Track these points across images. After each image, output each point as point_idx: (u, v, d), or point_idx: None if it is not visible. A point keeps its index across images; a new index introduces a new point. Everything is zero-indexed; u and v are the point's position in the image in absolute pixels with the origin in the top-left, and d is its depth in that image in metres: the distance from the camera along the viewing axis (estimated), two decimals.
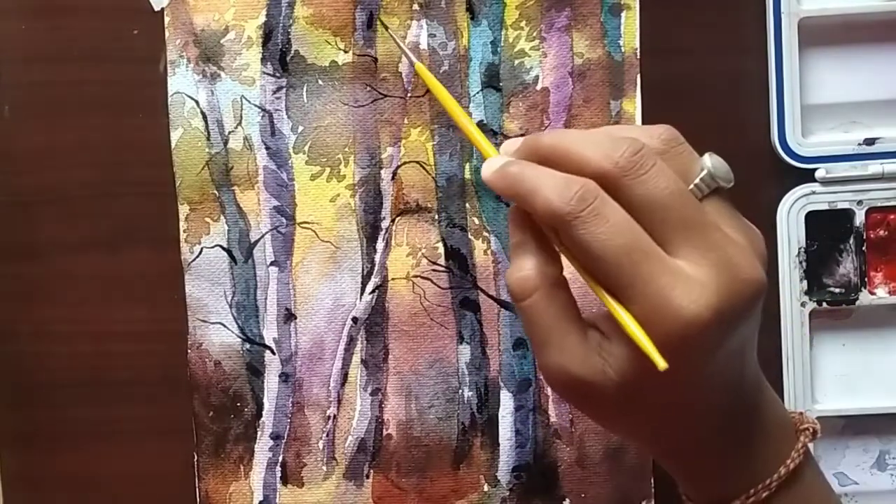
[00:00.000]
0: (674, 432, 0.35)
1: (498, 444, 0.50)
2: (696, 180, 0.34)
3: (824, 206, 0.48)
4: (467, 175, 0.49)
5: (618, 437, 0.40)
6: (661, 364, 0.31)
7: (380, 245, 0.50)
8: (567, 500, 0.50)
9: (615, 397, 0.33)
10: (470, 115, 0.49)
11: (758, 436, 0.35)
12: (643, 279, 0.31)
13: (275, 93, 0.49)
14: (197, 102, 0.49)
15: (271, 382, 0.50)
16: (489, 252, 0.50)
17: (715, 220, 0.33)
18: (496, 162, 0.35)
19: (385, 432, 0.50)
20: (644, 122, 0.49)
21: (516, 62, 0.49)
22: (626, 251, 0.32)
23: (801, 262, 0.48)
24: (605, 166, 0.32)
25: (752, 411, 0.35)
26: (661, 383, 0.32)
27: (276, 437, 0.50)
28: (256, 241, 0.50)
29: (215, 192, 0.49)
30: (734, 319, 0.32)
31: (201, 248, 0.50)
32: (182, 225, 0.50)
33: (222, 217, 0.50)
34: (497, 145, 0.49)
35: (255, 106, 0.49)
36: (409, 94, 0.49)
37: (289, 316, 0.50)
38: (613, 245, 0.32)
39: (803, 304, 0.48)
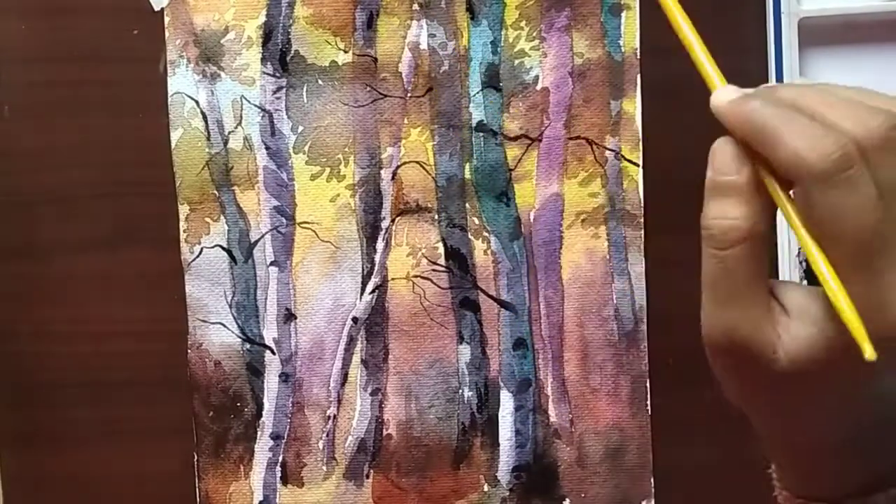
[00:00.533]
0: (817, 427, 0.32)
1: (498, 444, 0.50)
2: None
3: None
4: (467, 175, 0.49)
5: (742, 411, 0.36)
6: (870, 353, 0.29)
7: (380, 245, 0.50)
8: (567, 500, 0.50)
9: (772, 378, 0.30)
10: (470, 115, 0.49)
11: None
12: (877, 268, 0.28)
13: (275, 93, 0.49)
14: (197, 102, 0.49)
15: (271, 382, 0.50)
16: (489, 252, 0.49)
17: None
18: (730, 92, 0.31)
19: (385, 432, 0.50)
20: (644, 123, 0.49)
21: (516, 62, 0.49)
22: (868, 233, 0.28)
23: (800, 263, 0.48)
24: (858, 135, 0.28)
25: None
26: (831, 379, 0.30)
27: (276, 437, 0.50)
28: (256, 241, 0.50)
29: (215, 192, 0.49)
30: None
31: (201, 248, 0.50)
32: (182, 225, 0.50)
33: (222, 217, 0.50)
34: (498, 145, 0.49)
35: (255, 106, 0.49)
36: (408, 94, 0.49)
37: (289, 316, 0.50)
38: (858, 223, 0.28)
39: None
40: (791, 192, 0.29)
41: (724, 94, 0.32)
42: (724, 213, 0.30)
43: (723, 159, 0.31)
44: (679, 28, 0.33)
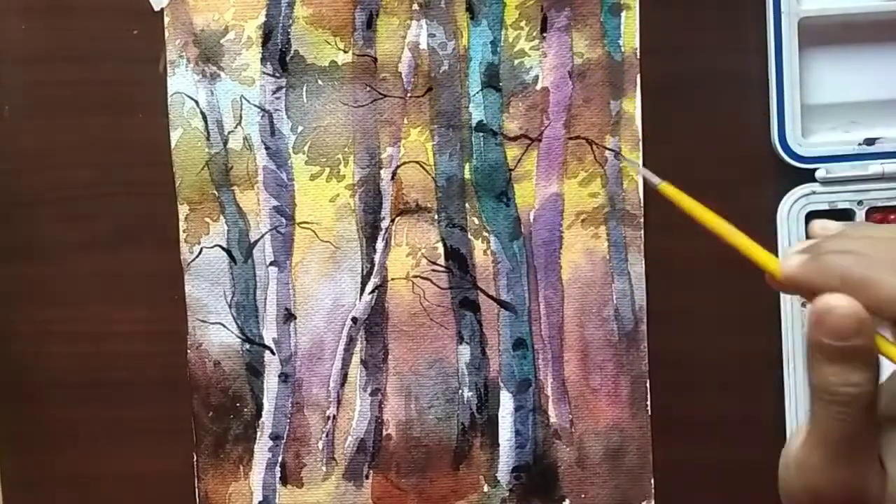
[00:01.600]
0: None
1: (498, 445, 0.50)
2: None
3: (824, 206, 0.48)
4: (467, 175, 0.49)
5: None
6: None
7: (379, 245, 0.50)
8: (567, 501, 0.50)
9: None
10: (470, 115, 0.49)
11: None
12: None
13: (274, 93, 0.49)
14: (196, 102, 0.49)
15: (271, 383, 0.50)
16: (489, 252, 0.49)
17: None
18: (795, 257, 0.30)
19: (385, 433, 0.50)
20: (644, 121, 0.48)
21: (516, 62, 0.49)
22: None
23: (802, 305, 0.48)
24: None
25: None
26: None
27: (275, 437, 0.50)
28: (256, 241, 0.50)
29: (215, 192, 0.49)
30: None
31: (201, 249, 0.50)
32: (182, 225, 0.50)
33: (222, 217, 0.50)
34: (498, 145, 0.49)
35: (255, 106, 0.49)
36: (408, 95, 0.49)
37: (288, 316, 0.50)
38: None
39: (804, 305, 0.48)
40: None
41: (792, 261, 0.30)
42: (848, 380, 0.29)
43: (845, 322, 0.29)
44: (715, 224, 0.33)
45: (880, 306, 0.29)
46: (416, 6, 0.48)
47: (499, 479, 0.50)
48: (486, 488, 0.50)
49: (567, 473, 0.50)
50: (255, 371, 0.50)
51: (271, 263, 0.50)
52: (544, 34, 0.48)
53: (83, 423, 0.51)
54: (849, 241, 0.30)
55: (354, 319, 0.50)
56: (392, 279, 0.50)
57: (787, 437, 0.49)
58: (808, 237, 0.34)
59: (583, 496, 0.50)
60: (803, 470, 0.30)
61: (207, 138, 0.49)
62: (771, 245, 0.49)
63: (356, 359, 0.50)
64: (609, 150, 0.47)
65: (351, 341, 0.50)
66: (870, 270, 0.29)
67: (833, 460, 0.29)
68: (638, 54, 0.48)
